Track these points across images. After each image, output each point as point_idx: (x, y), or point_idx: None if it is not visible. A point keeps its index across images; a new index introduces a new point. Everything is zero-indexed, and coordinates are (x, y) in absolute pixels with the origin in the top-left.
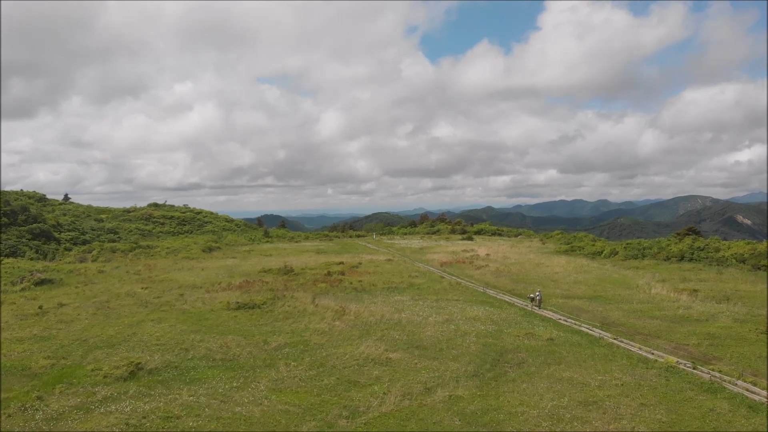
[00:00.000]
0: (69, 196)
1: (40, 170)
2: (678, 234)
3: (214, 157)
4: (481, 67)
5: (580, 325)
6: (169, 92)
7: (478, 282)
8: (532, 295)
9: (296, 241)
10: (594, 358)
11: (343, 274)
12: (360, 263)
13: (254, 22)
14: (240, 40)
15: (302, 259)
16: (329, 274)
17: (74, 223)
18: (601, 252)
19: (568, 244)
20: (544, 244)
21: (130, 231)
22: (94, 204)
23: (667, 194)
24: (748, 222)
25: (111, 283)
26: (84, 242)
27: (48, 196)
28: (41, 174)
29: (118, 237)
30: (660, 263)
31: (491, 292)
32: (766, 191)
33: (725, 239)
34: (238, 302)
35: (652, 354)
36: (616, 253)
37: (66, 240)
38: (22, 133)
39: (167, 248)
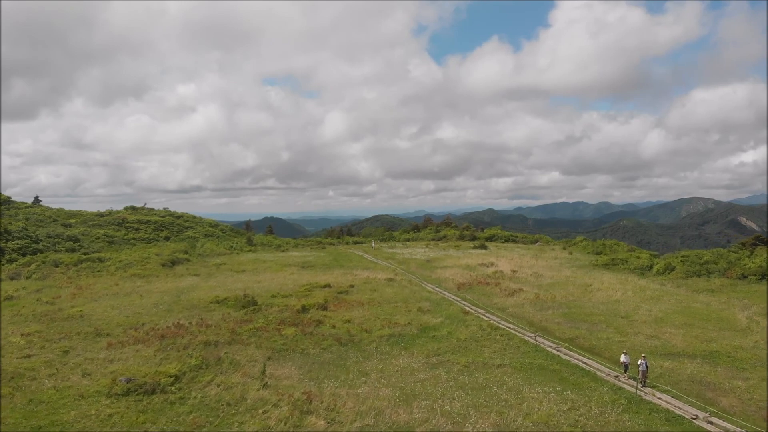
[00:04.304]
0: (40, 198)
1: (42, 172)
2: (743, 244)
3: (216, 159)
4: (489, 66)
5: None
6: (172, 93)
7: (517, 320)
8: (625, 359)
9: (283, 250)
10: None
11: (325, 308)
12: (352, 285)
13: (260, 21)
14: (245, 39)
15: (279, 279)
16: (304, 309)
17: (26, 230)
18: (651, 267)
19: (599, 253)
20: (571, 254)
21: (96, 238)
22: (92, 207)
23: (670, 196)
24: (753, 225)
25: None
26: (35, 252)
27: (14, 199)
28: (42, 176)
29: (79, 245)
30: (736, 283)
31: (547, 343)
32: (767, 192)
33: (728, 241)
34: (130, 380)
35: None
36: (673, 269)
37: (13, 250)
38: (23, 135)
39: (120, 261)
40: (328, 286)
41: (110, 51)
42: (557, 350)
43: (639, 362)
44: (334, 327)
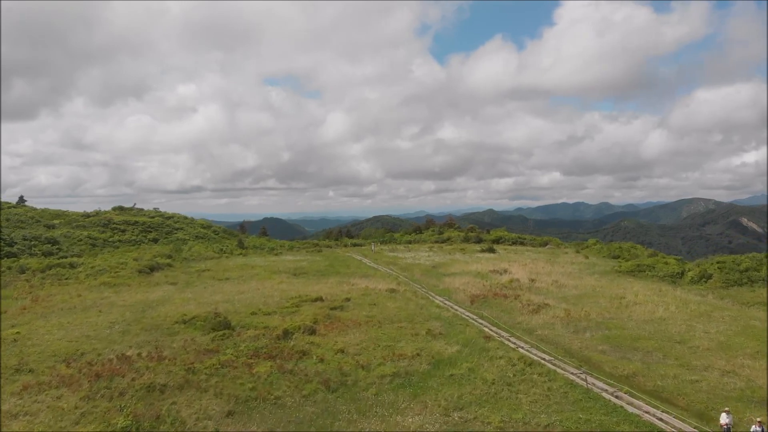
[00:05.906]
0: (25, 198)
1: (42, 173)
2: None
3: (217, 160)
4: (491, 65)
5: None
6: (172, 93)
7: (551, 347)
8: (727, 420)
9: (276, 253)
10: None
11: (313, 331)
12: (348, 298)
13: (260, 20)
14: (245, 39)
15: (265, 289)
16: (287, 335)
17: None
18: (682, 274)
19: (616, 257)
20: (587, 258)
21: (78, 240)
22: (92, 208)
23: (670, 197)
24: (754, 225)
25: None
26: (8, 256)
27: (3, 199)
28: (42, 177)
29: (57, 248)
30: None
31: (600, 386)
32: (767, 193)
33: (730, 242)
34: None
35: None
36: (710, 277)
37: None
38: (23, 135)
39: (92, 267)
40: (319, 299)
41: (110, 51)
42: (616, 396)
43: (753, 429)
44: (322, 360)
